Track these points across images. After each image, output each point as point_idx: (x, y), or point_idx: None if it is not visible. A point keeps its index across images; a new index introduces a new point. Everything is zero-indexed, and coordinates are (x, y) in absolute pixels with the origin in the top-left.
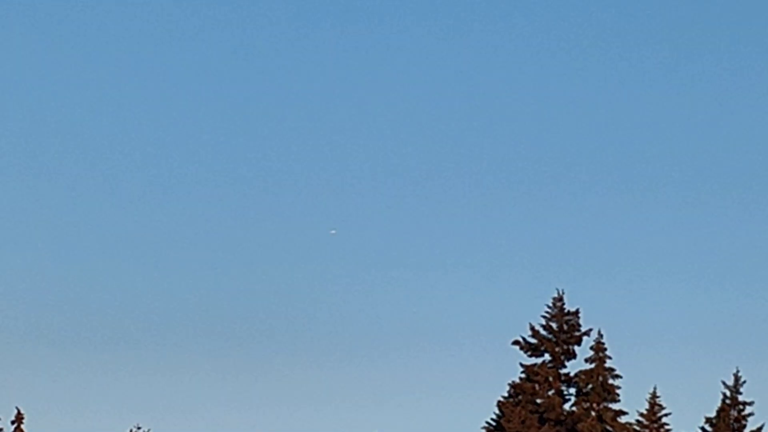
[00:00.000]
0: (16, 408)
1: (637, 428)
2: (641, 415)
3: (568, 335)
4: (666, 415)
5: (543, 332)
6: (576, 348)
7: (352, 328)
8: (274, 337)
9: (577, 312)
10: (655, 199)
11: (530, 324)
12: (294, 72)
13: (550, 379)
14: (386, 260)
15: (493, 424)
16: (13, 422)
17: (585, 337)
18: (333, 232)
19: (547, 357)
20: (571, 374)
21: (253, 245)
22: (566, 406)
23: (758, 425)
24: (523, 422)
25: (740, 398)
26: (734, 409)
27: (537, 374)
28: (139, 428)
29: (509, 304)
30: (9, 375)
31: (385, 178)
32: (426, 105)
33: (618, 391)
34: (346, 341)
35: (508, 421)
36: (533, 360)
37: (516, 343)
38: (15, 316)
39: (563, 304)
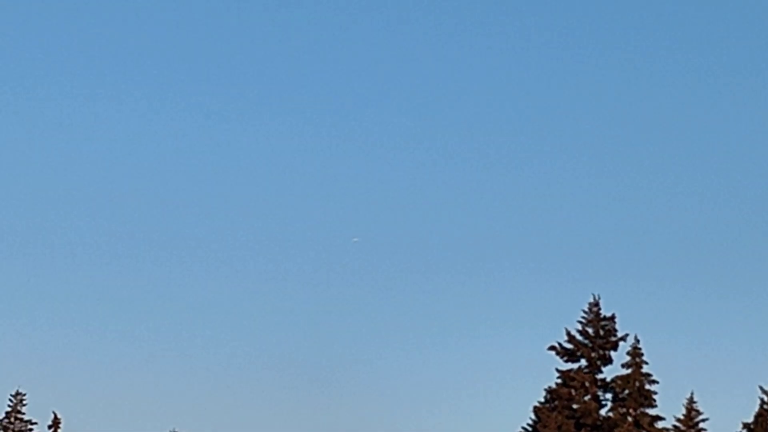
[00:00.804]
0: (53, 412)
1: None
2: (678, 420)
3: (605, 340)
4: (703, 420)
5: (579, 337)
6: (612, 353)
7: (378, 333)
8: (297, 342)
9: (613, 317)
10: (689, 200)
11: (566, 329)
12: (317, 77)
13: (587, 384)
14: (414, 265)
15: (530, 429)
16: (50, 426)
17: (621, 342)
18: (355, 239)
19: (583, 362)
20: (608, 379)
21: (275, 252)
22: (603, 412)
23: None
24: (559, 427)
25: None
26: None
27: (573, 379)
28: None
29: (545, 309)
30: (48, 380)
31: (412, 183)
32: (454, 110)
33: (655, 396)
34: (374, 346)
35: (545, 426)
36: (569, 365)
37: (552, 348)
38: (53, 321)
39: (599, 309)
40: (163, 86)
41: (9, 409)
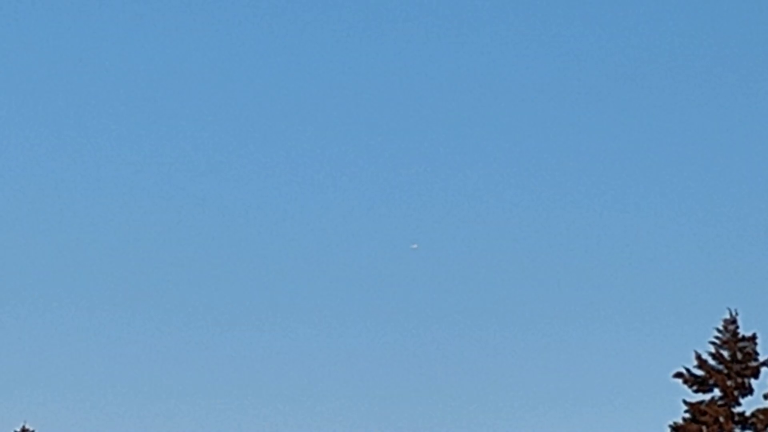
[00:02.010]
0: None
1: None
2: None
3: (743, 365)
4: None
5: (712, 362)
6: (753, 381)
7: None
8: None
9: (754, 337)
10: None
11: (696, 352)
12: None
13: (721, 419)
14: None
15: None
16: None
17: (764, 368)
18: (414, 246)
19: (716, 392)
20: (747, 413)
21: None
22: None
23: None
24: None
25: None
26: None
27: (704, 414)
28: None
29: (669, 328)
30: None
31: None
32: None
33: None
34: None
35: None
36: (699, 396)
37: (679, 375)
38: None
39: (737, 327)
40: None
41: None
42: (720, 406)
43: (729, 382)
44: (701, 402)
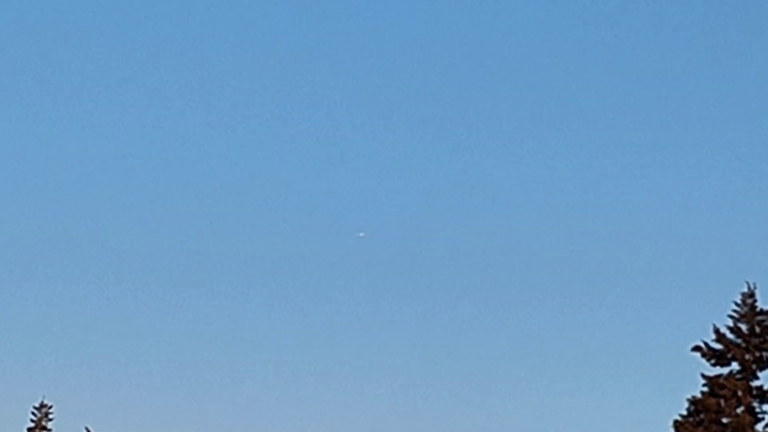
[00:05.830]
0: (86, 429)
1: None
2: None
3: (761, 339)
4: None
5: (730, 336)
6: None
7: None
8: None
9: None
10: None
11: (714, 326)
12: (320, 73)
13: (739, 393)
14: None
15: None
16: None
17: None
18: (361, 234)
19: (734, 366)
20: (765, 387)
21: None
22: (759, 427)
23: None
24: None
25: None
26: None
27: (723, 387)
28: None
29: (687, 302)
30: (78, 390)
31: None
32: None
33: None
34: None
35: None
36: (718, 370)
37: (697, 348)
38: (83, 323)
39: (755, 300)
40: (163, 85)
41: (33, 424)
42: (738, 379)
43: (747, 356)
44: (719, 375)
